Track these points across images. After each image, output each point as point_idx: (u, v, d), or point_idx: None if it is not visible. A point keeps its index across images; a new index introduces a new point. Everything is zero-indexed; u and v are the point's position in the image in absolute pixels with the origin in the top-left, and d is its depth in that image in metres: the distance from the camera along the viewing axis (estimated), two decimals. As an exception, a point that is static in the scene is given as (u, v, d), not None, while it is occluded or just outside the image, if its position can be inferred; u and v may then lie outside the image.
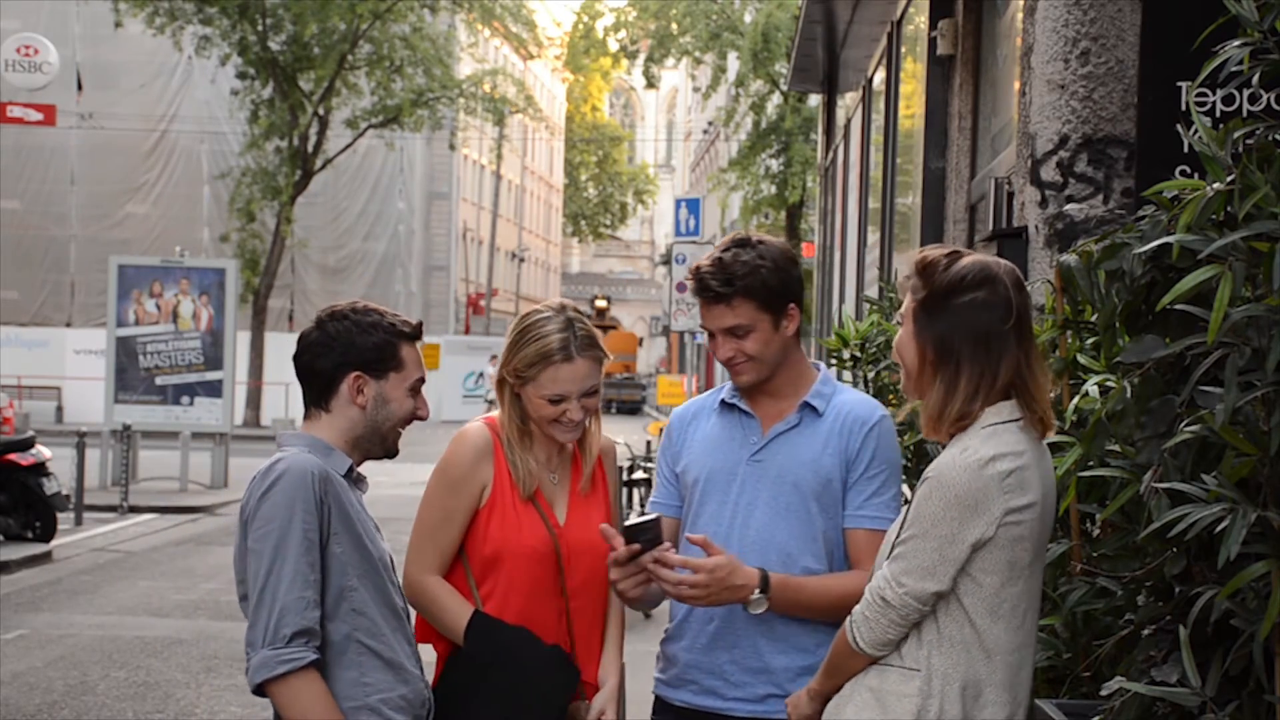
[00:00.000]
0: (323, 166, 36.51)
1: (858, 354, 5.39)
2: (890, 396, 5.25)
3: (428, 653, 3.80)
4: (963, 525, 3.04)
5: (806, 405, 3.74)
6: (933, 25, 8.75)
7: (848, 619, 3.18)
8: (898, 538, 3.14)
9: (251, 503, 3.36)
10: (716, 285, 3.67)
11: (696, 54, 40.06)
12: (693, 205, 30.57)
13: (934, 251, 3.22)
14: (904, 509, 3.24)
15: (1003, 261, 3.19)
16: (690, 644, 3.76)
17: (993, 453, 3.04)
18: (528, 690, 3.76)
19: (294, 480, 3.35)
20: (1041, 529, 3.12)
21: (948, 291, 3.12)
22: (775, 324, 3.71)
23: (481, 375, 43.71)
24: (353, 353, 3.48)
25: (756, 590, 3.56)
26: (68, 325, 40.26)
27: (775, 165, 38.47)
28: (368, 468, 3.65)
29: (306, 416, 3.58)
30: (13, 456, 14.87)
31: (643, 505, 12.90)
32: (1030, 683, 3.20)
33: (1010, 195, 6.55)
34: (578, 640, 3.87)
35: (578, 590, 3.86)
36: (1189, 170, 5.27)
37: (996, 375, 3.09)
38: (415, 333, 3.60)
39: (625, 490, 12.67)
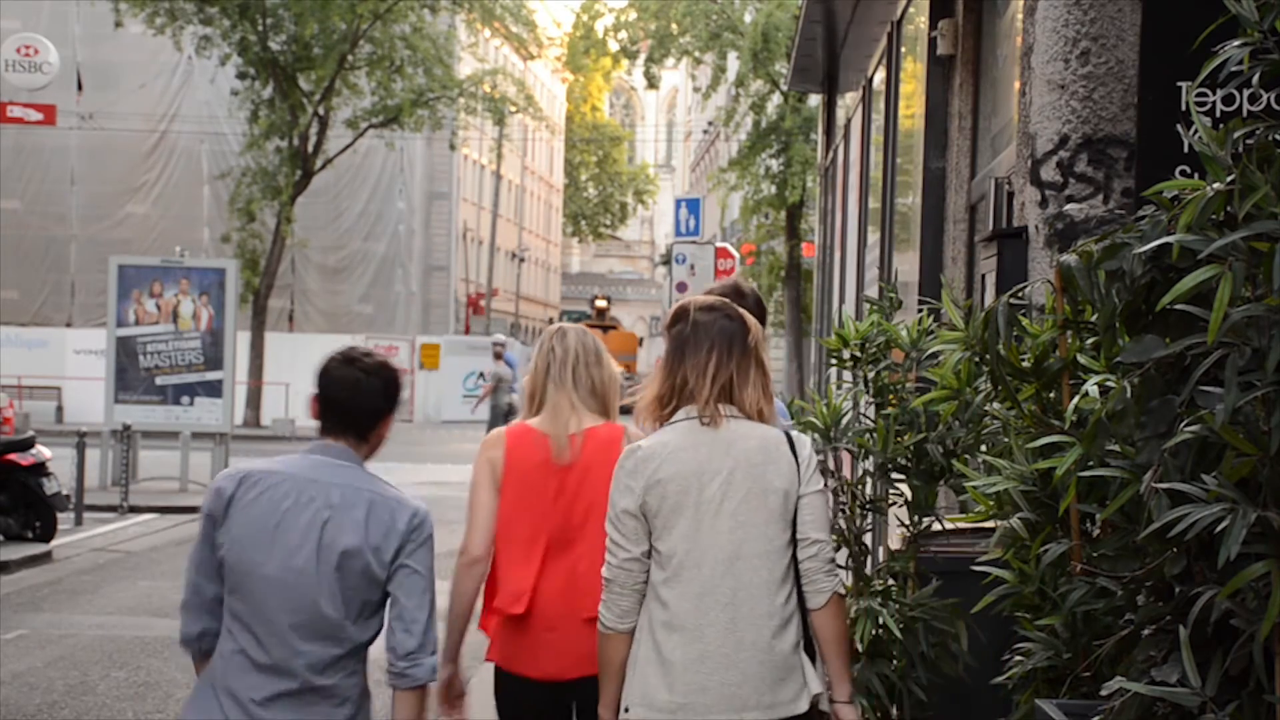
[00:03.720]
0: (323, 166, 36.48)
1: (858, 354, 5.38)
2: (890, 397, 5.25)
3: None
4: (620, 498, 3.96)
5: None
6: (933, 25, 8.75)
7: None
8: None
9: (422, 529, 3.98)
10: None
11: (696, 54, 40.04)
12: (693, 205, 30.57)
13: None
14: None
15: (694, 300, 4.21)
16: None
17: (641, 443, 4.03)
18: None
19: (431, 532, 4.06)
20: (671, 501, 3.93)
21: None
22: None
23: (481, 375, 43.66)
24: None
25: None
26: (68, 325, 40.25)
27: (775, 165, 38.45)
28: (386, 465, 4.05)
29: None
30: (13, 456, 14.86)
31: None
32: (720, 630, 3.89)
33: (1010, 195, 6.55)
34: None
35: None
36: (1189, 170, 5.27)
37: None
38: None
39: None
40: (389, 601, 3.95)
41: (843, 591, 4.05)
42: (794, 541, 3.95)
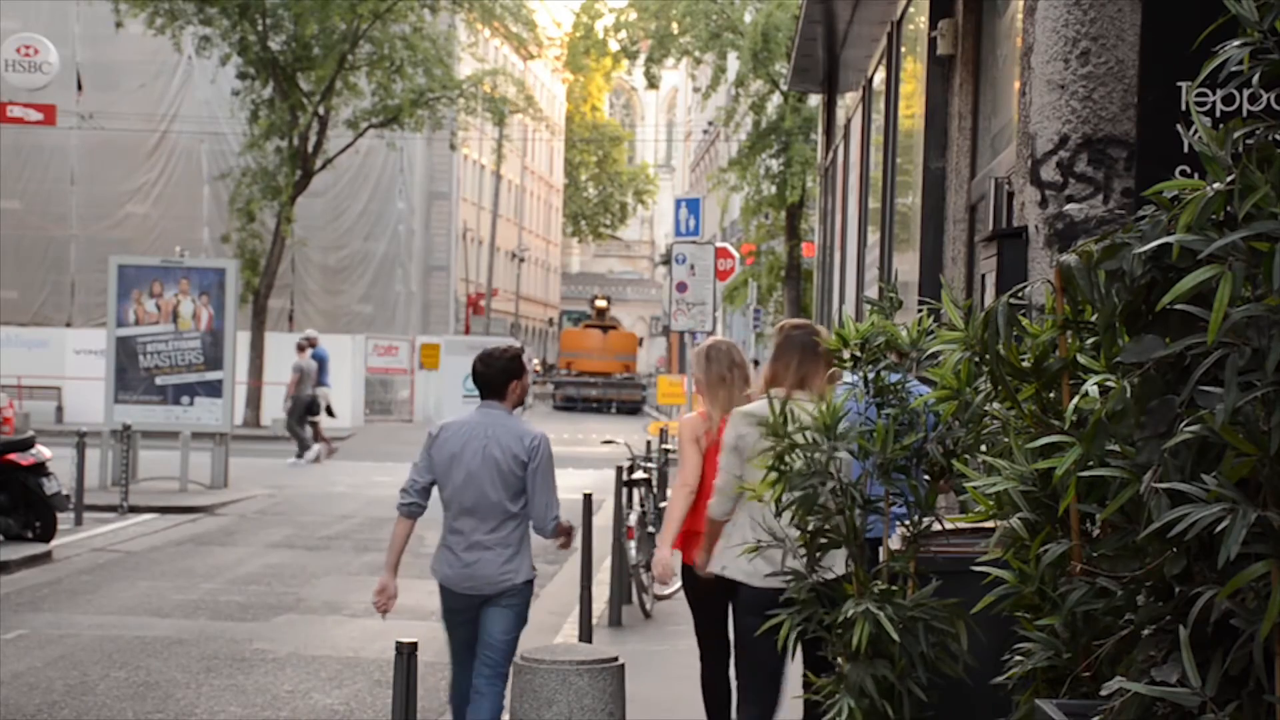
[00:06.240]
0: (323, 166, 36.45)
1: (858, 354, 5.39)
2: (890, 397, 5.24)
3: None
4: (727, 437, 6.31)
5: None
6: (933, 25, 8.75)
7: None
8: None
9: (540, 447, 6.88)
10: None
11: (696, 54, 40.05)
12: (693, 205, 30.56)
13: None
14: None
15: (788, 321, 6.52)
16: None
17: (745, 407, 6.35)
18: None
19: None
20: (748, 449, 6.12)
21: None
22: None
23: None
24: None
25: None
26: (68, 325, 40.19)
27: (775, 165, 38.45)
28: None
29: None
30: (13, 456, 14.85)
31: (643, 504, 12.88)
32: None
33: (1010, 195, 6.56)
34: None
35: None
36: (1189, 170, 5.27)
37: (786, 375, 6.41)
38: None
39: (625, 490, 12.62)
40: (527, 493, 6.85)
41: None
42: None
